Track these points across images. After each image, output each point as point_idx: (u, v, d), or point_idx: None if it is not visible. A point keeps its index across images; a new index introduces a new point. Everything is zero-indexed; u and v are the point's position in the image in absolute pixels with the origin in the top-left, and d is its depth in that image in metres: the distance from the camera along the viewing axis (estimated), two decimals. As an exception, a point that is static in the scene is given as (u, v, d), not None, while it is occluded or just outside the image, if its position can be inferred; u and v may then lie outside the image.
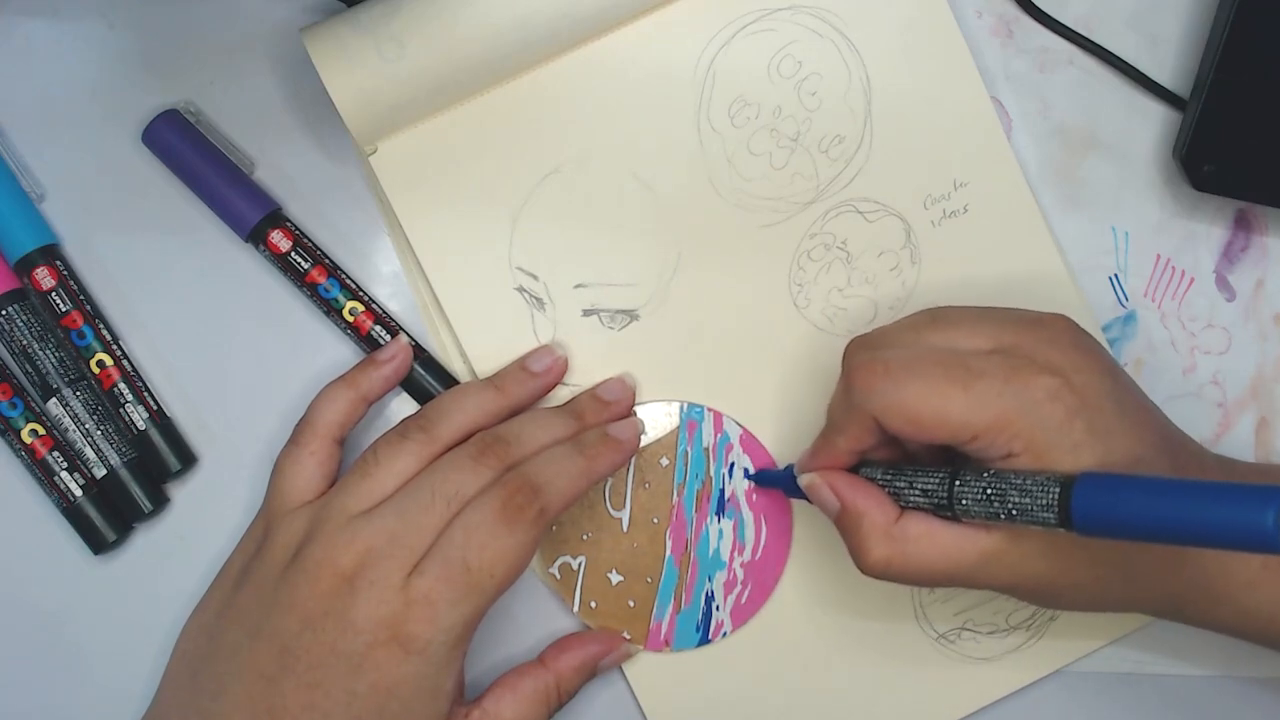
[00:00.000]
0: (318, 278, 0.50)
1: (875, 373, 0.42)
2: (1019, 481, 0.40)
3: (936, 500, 0.42)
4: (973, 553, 0.42)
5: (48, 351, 0.50)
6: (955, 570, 0.42)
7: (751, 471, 0.51)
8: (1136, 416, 0.43)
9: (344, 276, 0.51)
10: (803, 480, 0.46)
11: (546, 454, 0.46)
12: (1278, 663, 0.53)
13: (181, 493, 0.52)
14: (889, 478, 0.44)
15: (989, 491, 0.40)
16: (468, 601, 0.43)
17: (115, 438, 0.51)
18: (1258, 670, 0.53)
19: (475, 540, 0.43)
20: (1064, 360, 0.42)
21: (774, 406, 0.51)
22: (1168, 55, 0.53)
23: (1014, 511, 0.40)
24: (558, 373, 0.50)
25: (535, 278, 0.51)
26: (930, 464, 0.44)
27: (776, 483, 0.51)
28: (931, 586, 0.43)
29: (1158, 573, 0.43)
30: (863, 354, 0.44)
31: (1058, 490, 0.38)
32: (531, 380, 0.50)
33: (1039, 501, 0.39)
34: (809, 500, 0.46)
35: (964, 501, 0.41)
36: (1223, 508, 0.35)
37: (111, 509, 0.50)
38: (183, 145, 0.50)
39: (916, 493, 0.43)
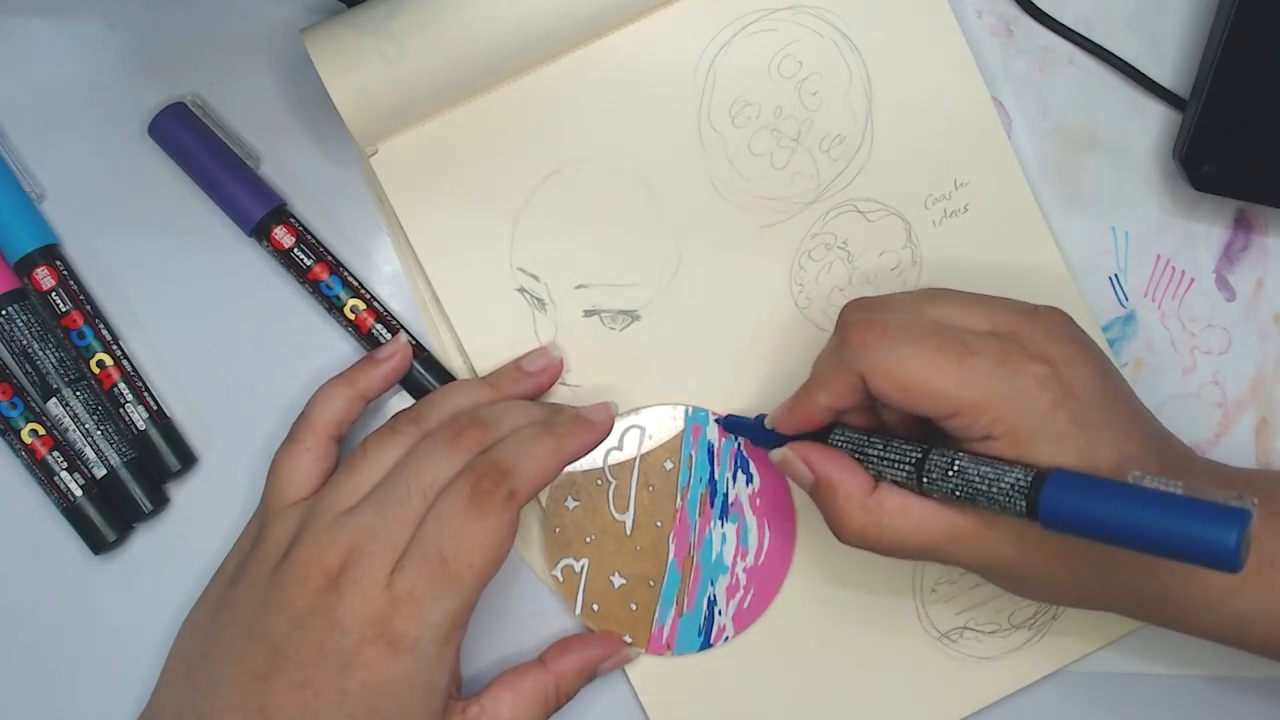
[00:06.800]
0: (320, 274, 0.50)
1: (873, 330, 0.42)
2: (989, 470, 0.40)
3: (904, 472, 0.42)
4: (945, 528, 0.42)
5: (48, 351, 0.50)
6: (928, 545, 0.43)
7: (753, 471, 0.51)
8: (1125, 414, 0.43)
9: (346, 274, 0.51)
10: (774, 455, 0.46)
11: (514, 436, 0.46)
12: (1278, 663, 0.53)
13: (181, 493, 0.52)
14: (861, 443, 0.44)
15: (954, 473, 0.41)
16: (450, 595, 0.43)
17: (115, 438, 0.51)
18: (1258, 671, 0.53)
19: (448, 531, 0.43)
20: (1056, 351, 0.42)
21: (774, 406, 0.51)
22: (1168, 55, 0.53)
23: (982, 497, 0.40)
24: (552, 374, 0.50)
25: (536, 278, 0.51)
26: (904, 436, 0.44)
27: (744, 430, 0.50)
28: (907, 559, 0.43)
29: (1133, 572, 0.43)
30: (861, 313, 0.44)
31: (1029, 481, 0.39)
32: (525, 379, 0.50)
33: (1009, 490, 0.39)
34: (774, 463, 0.46)
35: (932, 475, 0.41)
36: (1189, 522, 0.35)
37: (111, 509, 0.50)
38: (188, 137, 0.50)
39: (887, 463, 0.43)
